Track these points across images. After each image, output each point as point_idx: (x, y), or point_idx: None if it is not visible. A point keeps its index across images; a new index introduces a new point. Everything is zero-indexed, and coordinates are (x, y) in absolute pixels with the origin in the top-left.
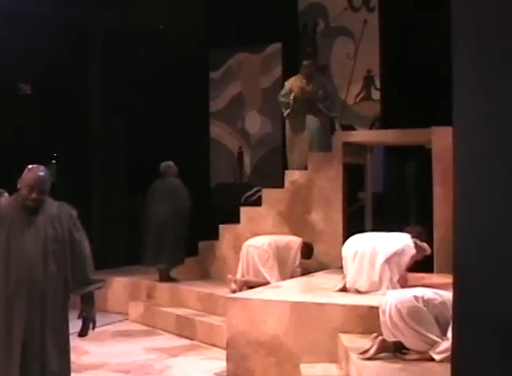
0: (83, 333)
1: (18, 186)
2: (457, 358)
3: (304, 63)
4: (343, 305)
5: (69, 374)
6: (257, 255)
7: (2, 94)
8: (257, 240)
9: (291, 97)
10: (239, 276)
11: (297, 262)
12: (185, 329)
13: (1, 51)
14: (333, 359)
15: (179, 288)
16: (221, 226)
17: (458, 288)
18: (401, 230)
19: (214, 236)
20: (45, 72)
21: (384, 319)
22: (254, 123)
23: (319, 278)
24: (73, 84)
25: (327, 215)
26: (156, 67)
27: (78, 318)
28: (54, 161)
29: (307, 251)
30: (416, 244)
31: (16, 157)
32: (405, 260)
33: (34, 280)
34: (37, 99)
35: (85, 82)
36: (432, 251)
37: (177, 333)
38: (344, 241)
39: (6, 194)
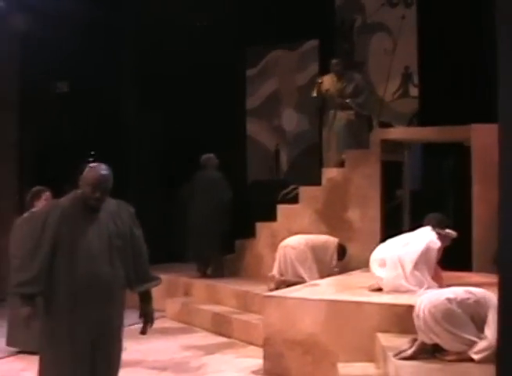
0: (144, 330)
1: (80, 184)
2: (502, 357)
3: (333, 61)
4: (380, 304)
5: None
6: (294, 256)
7: (40, 93)
8: (293, 240)
9: (314, 93)
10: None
11: (334, 263)
12: (221, 327)
13: (39, 50)
14: (370, 358)
15: (216, 286)
16: (257, 224)
17: (503, 287)
18: (420, 225)
19: (251, 233)
20: (81, 70)
21: (418, 323)
22: (291, 120)
23: (357, 277)
24: (110, 82)
25: (364, 213)
26: (193, 65)
27: (140, 316)
28: (91, 159)
29: (341, 252)
30: (439, 234)
31: (53, 155)
32: (433, 256)
33: (101, 277)
34: (74, 98)
35: (122, 80)
36: (471, 250)
37: (213, 330)
38: (381, 239)
39: (48, 193)
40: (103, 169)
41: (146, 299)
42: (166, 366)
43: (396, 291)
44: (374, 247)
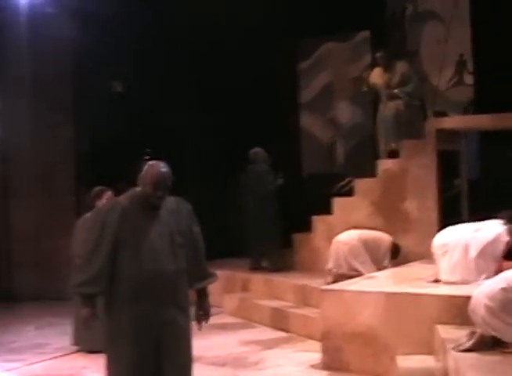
0: (200, 326)
1: (139, 182)
2: None
3: (377, 55)
4: (439, 296)
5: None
6: (347, 251)
7: (95, 93)
8: (346, 236)
9: (364, 87)
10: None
11: (387, 262)
12: (279, 321)
13: (94, 50)
14: (429, 350)
15: (274, 280)
16: (314, 218)
17: None
18: (494, 217)
19: (308, 227)
20: (136, 69)
21: (475, 318)
22: (345, 112)
23: (415, 268)
24: (164, 81)
25: (422, 203)
26: (246, 60)
27: (197, 313)
28: (148, 157)
29: (395, 251)
30: (510, 230)
31: (108, 154)
32: (500, 249)
33: (165, 274)
34: (129, 97)
35: (175, 78)
36: None
37: (272, 325)
38: (439, 230)
39: (109, 192)
40: (163, 167)
41: (203, 296)
42: (225, 361)
43: (455, 276)
44: (432, 238)
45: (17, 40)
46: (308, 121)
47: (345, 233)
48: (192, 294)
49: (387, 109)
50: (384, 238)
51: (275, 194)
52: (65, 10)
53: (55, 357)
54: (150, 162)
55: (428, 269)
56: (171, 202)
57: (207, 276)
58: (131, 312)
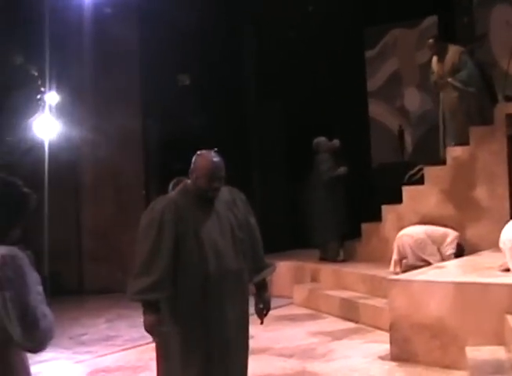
0: (262, 319)
1: (191, 175)
2: None
3: (428, 42)
4: (509, 285)
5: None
6: (413, 243)
7: (163, 86)
8: (410, 230)
9: (432, 78)
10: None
11: (449, 252)
12: (349, 312)
13: (160, 45)
14: (500, 341)
15: (343, 271)
16: (383, 207)
17: None
18: None
19: (378, 217)
20: (201, 62)
21: None
22: (414, 100)
23: (485, 257)
24: (229, 73)
25: (492, 190)
26: (311, 50)
27: (256, 305)
28: (216, 149)
29: (459, 249)
30: None
31: (177, 148)
32: None
33: (231, 273)
34: (196, 90)
35: (241, 70)
36: None
37: (341, 316)
38: (511, 217)
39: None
40: (214, 156)
41: (263, 287)
42: (293, 352)
43: None
44: (503, 226)
45: (84, 38)
46: (377, 110)
47: (411, 227)
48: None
49: (442, 100)
50: (450, 232)
51: (335, 184)
52: (129, 6)
53: (125, 349)
54: (200, 152)
55: (499, 258)
56: (225, 193)
57: (265, 267)
58: (201, 315)
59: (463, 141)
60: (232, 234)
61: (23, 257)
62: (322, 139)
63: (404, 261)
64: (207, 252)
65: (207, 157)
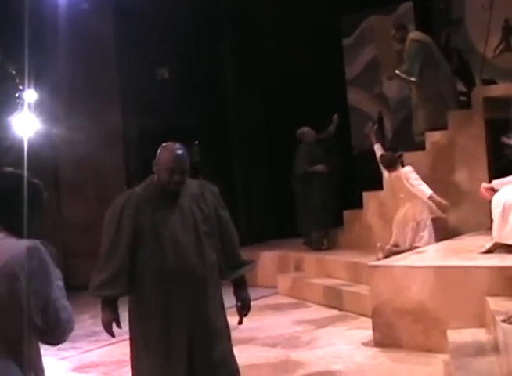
0: (241, 319)
1: (154, 169)
2: None
3: (391, 33)
4: (489, 268)
5: (231, 359)
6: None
7: (142, 80)
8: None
9: None
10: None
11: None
12: (332, 299)
13: (137, 39)
14: (481, 323)
15: (326, 259)
16: (364, 194)
17: None
18: None
19: (359, 204)
20: (179, 55)
21: None
22: (392, 86)
23: (465, 241)
24: (207, 64)
25: (472, 174)
26: (288, 38)
27: (236, 305)
28: (197, 142)
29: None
30: None
31: (156, 141)
32: None
33: (192, 269)
34: (175, 83)
35: (219, 61)
36: None
37: (325, 304)
38: (490, 202)
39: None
40: (178, 148)
41: (240, 285)
42: (277, 342)
43: (505, 236)
44: (483, 210)
45: (61, 35)
46: (355, 98)
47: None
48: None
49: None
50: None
51: (311, 177)
52: (104, 1)
53: (109, 344)
54: (164, 144)
55: (479, 241)
56: (193, 186)
57: (242, 265)
58: (158, 313)
59: (424, 129)
60: (195, 228)
61: (45, 250)
62: (305, 129)
63: (387, 247)
64: (166, 248)
65: (169, 149)
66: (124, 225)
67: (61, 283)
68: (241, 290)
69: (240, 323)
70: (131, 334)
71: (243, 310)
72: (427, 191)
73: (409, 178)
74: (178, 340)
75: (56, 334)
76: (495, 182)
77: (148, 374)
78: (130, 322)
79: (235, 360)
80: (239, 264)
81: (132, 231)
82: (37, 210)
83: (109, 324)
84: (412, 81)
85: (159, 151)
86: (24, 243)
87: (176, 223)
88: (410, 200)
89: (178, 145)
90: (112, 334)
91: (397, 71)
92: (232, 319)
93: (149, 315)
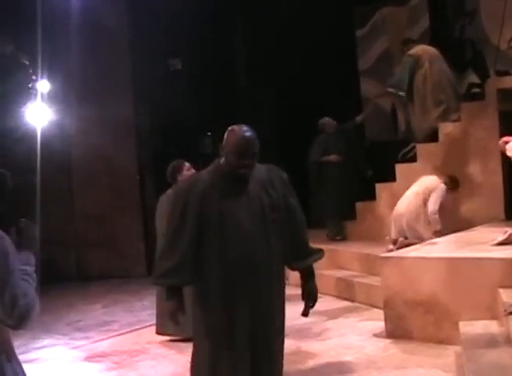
0: (307, 311)
1: (221, 152)
2: None
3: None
4: (501, 259)
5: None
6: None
7: (154, 71)
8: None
9: None
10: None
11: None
12: (344, 291)
13: (150, 30)
14: (493, 315)
15: (338, 250)
16: (377, 186)
17: None
18: None
19: (372, 196)
20: (192, 46)
21: None
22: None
23: (478, 232)
24: (220, 56)
25: (485, 166)
26: (301, 29)
27: (302, 295)
28: (209, 133)
29: (451, 183)
30: None
31: (168, 132)
32: None
33: (257, 258)
34: (187, 74)
35: (231, 52)
36: None
37: (337, 295)
38: (504, 192)
39: (188, 164)
40: (246, 130)
41: (308, 276)
42: (288, 332)
43: None
44: (497, 202)
45: (74, 25)
46: (368, 89)
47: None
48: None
49: None
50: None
51: (322, 167)
52: None
53: (121, 334)
54: (231, 127)
55: (493, 233)
56: (261, 171)
57: (311, 254)
58: (223, 303)
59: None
60: (263, 216)
61: (7, 238)
62: (326, 119)
63: (400, 239)
64: (232, 236)
65: (238, 132)
66: (189, 211)
67: (30, 268)
68: (310, 280)
69: (306, 314)
70: (195, 321)
71: (310, 301)
72: (436, 224)
73: (432, 197)
74: (242, 334)
75: (14, 320)
76: None
77: (212, 364)
78: (195, 310)
79: (282, 358)
80: (308, 253)
81: (197, 218)
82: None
83: (175, 313)
84: (401, 96)
85: (226, 134)
86: None
87: (243, 210)
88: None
89: (246, 127)
90: (177, 322)
91: (388, 89)
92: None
93: (213, 305)
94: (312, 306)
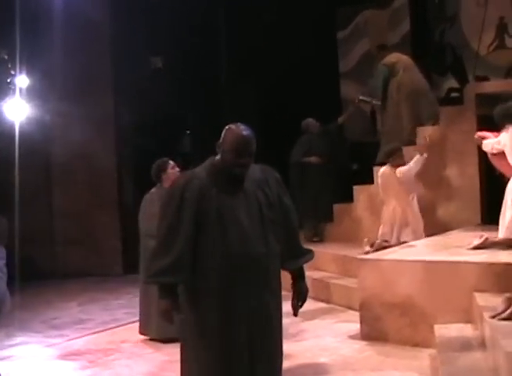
0: (296, 311)
1: (218, 150)
2: None
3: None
4: (477, 263)
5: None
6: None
7: (135, 69)
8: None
9: None
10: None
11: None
12: (321, 292)
13: (131, 27)
14: (468, 319)
15: (315, 252)
16: (355, 188)
17: None
18: None
19: (350, 198)
20: (173, 45)
21: None
22: None
23: (455, 236)
24: (202, 54)
25: (463, 170)
26: (283, 30)
27: (293, 297)
28: (188, 132)
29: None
30: None
31: (149, 130)
32: None
33: (257, 257)
34: (168, 72)
35: (213, 51)
36: None
37: (313, 296)
38: (481, 196)
39: (172, 162)
40: (244, 129)
41: (299, 276)
42: None
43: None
44: (474, 205)
45: (54, 20)
46: (349, 91)
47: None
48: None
49: None
50: None
51: (303, 168)
52: None
53: (96, 332)
54: (229, 126)
55: (469, 237)
56: (256, 171)
57: (302, 254)
58: (219, 302)
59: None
60: (261, 214)
61: None
62: (310, 120)
63: (377, 241)
64: (230, 234)
65: (235, 131)
66: (186, 208)
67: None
68: (300, 280)
69: (296, 314)
70: (186, 322)
71: (300, 301)
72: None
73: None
74: (238, 335)
75: None
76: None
77: (205, 366)
78: (181, 310)
79: (281, 356)
80: (300, 253)
81: (195, 215)
82: None
83: (169, 312)
84: (375, 104)
85: (224, 133)
86: None
87: (241, 209)
88: (396, 198)
89: (243, 126)
90: (171, 322)
91: (360, 97)
92: None
93: (209, 304)
94: (301, 306)
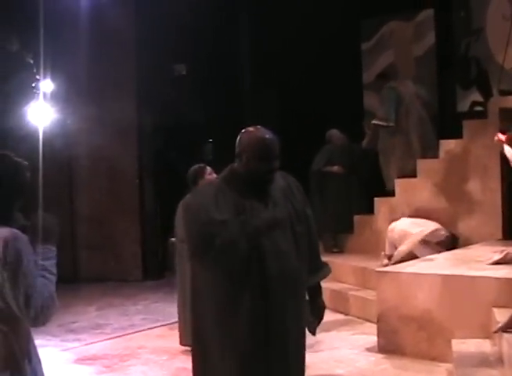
0: (314, 329)
1: (238, 156)
2: None
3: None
4: (497, 279)
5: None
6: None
7: (159, 75)
8: (398, 223)
9: None
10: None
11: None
12: (339, 303)
13: (156, 34)
14: (486, 334)
15: (334, 262)
16: (376, 199)
17: None
18: None
19: (370, 209)
20: (197, 52)
21: None
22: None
23: (476, 250)
24: (225, 62)
25: (485, 184)
26: (307, 41)
27: (311, 312)
28: (211, 140)
29: (451, 242)
30: None
31: (172, 137)
32: None
33: (291, 273)
34: (192, 79)
35: (236, 59)
36: None
37: (331, 308)
38: (503, 211)
39: (209, 168)
40: (266, 132)
41: (316, 291)
42: None
43: None
44: (495, 220)
45: (80, 25)
46: (372, 102)
47: (400, 221)
48: None
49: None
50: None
51: (322, 177)
52: None
53: (112, 337)
54: (246, 130)
55: (490, 252)
56: (277, 177)
57: (321, 268)
58: (249, 319)
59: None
60: (292, 228)
61: (21, 238)
62: (334, 131)
63: (395, 253)
64: (266, 250)
65: (257, 134)
66: (215, 219)
67: (49, 262)
68: (317, 296)
69: (313, 332)
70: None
71: (318, 318)
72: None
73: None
74: (279, 354)
75: (30, 319)
76: None
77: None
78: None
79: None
80: (319, 267)
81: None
82: (18, 190)
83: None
84: (390, 127)
85: (242, 137)
86: (3, 232)
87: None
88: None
89: (263, 129)
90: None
91: (374, 121)
92: None
93: (240, 319)
94: (319, 323)
